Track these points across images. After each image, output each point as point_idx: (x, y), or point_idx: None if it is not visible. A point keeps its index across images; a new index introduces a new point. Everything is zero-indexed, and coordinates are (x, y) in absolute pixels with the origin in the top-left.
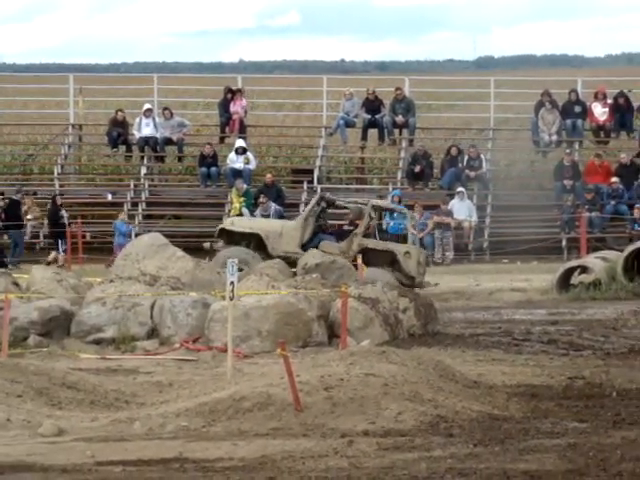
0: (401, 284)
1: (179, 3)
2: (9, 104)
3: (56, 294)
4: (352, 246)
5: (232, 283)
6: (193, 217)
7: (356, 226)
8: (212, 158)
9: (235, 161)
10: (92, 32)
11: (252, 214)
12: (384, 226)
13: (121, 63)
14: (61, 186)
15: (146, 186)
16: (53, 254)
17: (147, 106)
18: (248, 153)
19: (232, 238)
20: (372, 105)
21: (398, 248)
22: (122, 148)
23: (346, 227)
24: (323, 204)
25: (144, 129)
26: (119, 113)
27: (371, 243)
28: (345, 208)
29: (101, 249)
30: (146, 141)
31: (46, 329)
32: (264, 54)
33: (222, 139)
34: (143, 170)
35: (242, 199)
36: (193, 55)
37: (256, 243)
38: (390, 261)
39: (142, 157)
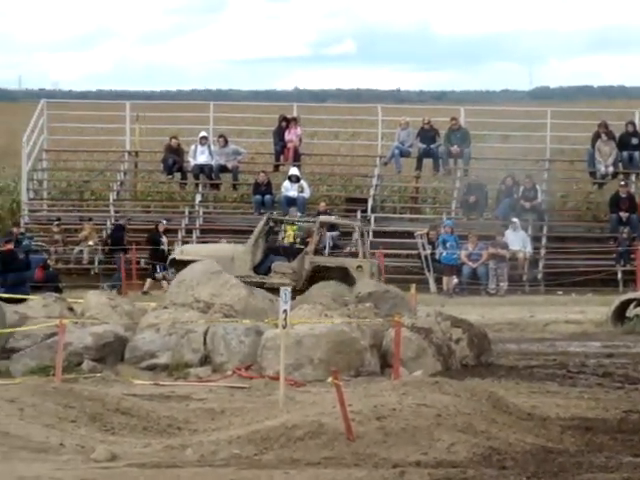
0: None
1: (235, 31)
2: (66, 131)
3: (110, 320)
4: (304, 265)
5: (285, 311)
6: None
7: (307, 244)
8: (266, 186)
9: (289, 189)
10: (148, 59)
11: (305, 242)
12: (437, 256)
13: (177, 90)
14: (116, 212)
15: (200, 213)
16: (149, 282)
17: (202, 134)
18: (302, 181)
19: (185, 267)
20: (427, 135)
21: (350, 263)
22: (177, 175)
23: (297, 246)
24: (271, 224)
25: (199, 157)
26: (173, 140)
27: (322, 260)
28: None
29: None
30: (201, 168)
31: (100, 354)
32: (319, 82)
33: (276, 167)
34: (198, 197)
35: (295, 227)
36: (249, 83)
37: None
38: (343, 276)
39: (197, 184)
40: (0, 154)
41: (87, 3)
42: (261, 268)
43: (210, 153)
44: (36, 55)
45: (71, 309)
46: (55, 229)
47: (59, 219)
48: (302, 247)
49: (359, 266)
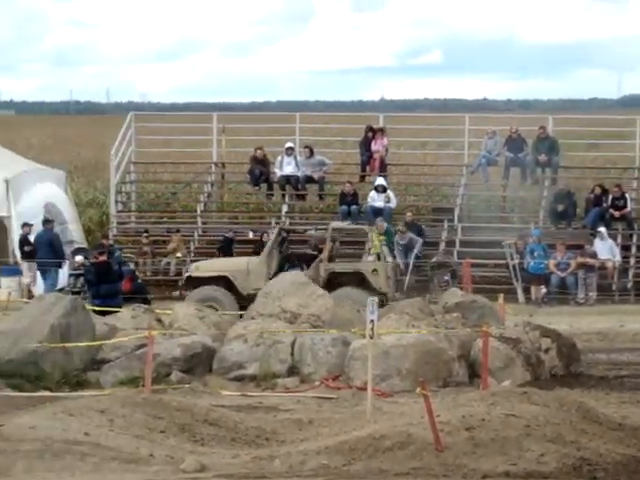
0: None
1: (321, 41)
2: (154, 143)
3: (198, 331)
4: (319, 272)
5: (372, 321)
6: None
7: (320, 251)
8: (352, 196)
9: (376, 199)
10: (235, 71)
11: (392, 253)
12: (525, 265)
13: (263, 102)
14: (204, 223)
15: (287, 224)
16: None
17: (289, 144)
18: (389, 191)
19: (201, 283)
20: (515, 143)
21: (365, 267)
22: (264, 186)
23: (309, 252)
24: (284, 234)
25: (285, 167)
26: (258, 151)
27: (337, 267)
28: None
29: None
30: (287, 179)
31: (188, 365)
32: (406, 92)
33: (362, 177)
34: (284, 208)
35: (382, 237)
36: (335, 93)
37: (225, 284)
38: (359, 281)
39: (283, 195)
40: (89, 167)
41: (174, 16)
42: None
43: (296, 164)
44: (124, 67)
45: (159, 320)
46: (143, 241)
47: (147, 231)
48: (316, 254)
49: (374, 270)
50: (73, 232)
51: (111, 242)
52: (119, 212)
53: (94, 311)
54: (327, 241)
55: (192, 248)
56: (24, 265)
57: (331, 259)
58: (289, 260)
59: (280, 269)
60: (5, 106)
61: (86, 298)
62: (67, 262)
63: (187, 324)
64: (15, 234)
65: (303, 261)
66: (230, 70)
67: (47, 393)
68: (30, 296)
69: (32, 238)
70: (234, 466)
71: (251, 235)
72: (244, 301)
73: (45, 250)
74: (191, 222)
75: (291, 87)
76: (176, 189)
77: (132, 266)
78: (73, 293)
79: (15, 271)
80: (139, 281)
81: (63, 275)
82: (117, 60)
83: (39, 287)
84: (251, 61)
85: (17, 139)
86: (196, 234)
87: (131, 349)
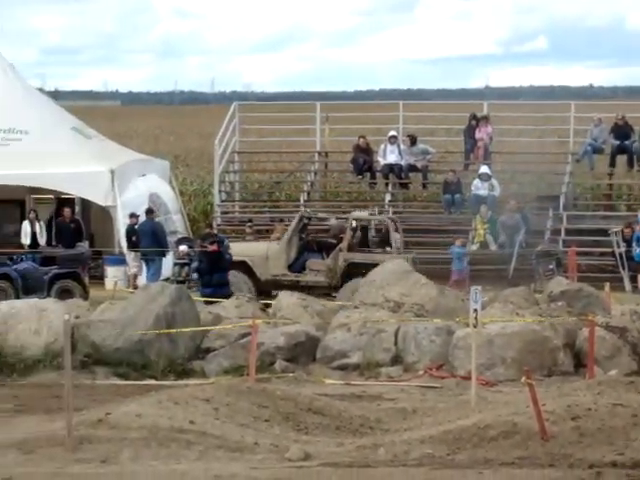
0: None
1: (425, 29)
2: (257, 133)
3: (302, 320)
4: (338, 261)
5: (475, 310)
6: (437, 244)
7: (340, 240)
8: (456, 185)
9: (479, 188)
10: (339, 60)
11: (496, 242)
12: (632, 254)
13: (366, 90)
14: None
15: (390, 213)
16: None
17: (392, 133)
18: (492, 180)
19: None
20: (621, 131)
21: (383, 259)
22: (367, 175)
23: (330, 240)
24: (305, 221)
25: (389, 156)
26: (361, 140)
27: (356, 257)
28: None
29: None
30: (391, 168)
31: (292, 354)
32: (510, 80)
33: (466, 166)
34: (387, 197)
35: (486, 226)
36: (438, 82)
37: (245, 269)
38: None
39: (386, 184)
40: (194, 157)
41: (278, 6)
42: (295, 266)
43: (399, 152)
44: (229, 58)
45: (263, 309)
46: (247, 230)
47: (251, 220)
48: (336, 243)
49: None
50: (176, 222)
51: (215, 231)
52: (223, 202)
53: (202, 300)
54: (347, 231)
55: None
56: (129, 255)
57: (351, 249)
58: (309, 247)
59: (299, 256)
60: (111, 97)
61: (191, 287)
62: (171, 252)
63: (290, 313)
64: (120, 224)
65: (323, 249)
66: (334, 59)
67: (153, 382)
68: (136, 286)
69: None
70: (338, 455)
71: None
72: (263, 286)
73: (148, 240)
74: (294, 211)
75: (395, 76)
76: (279, 178)
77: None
78: (178, 282)
79: (121, 261)
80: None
81: (167, 264)
82: (222, 50)
83: (144, 277)
84: (355, 50)
85: (122, 130)
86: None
87: (235, 338)
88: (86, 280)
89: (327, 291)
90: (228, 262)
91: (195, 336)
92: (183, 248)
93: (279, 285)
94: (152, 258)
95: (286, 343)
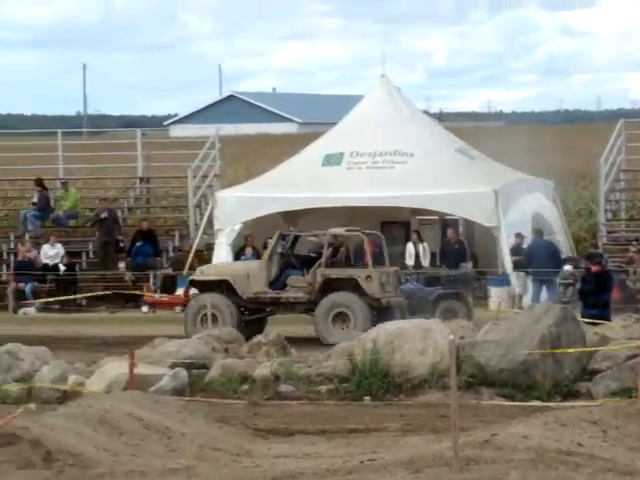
0: (369, 306)
1: None
2: None
3: None
4: (316, 277)
5: None
6: None
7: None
8: None
9: None
10: None
11: None
12: None
13: None
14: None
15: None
16: None
17: None
18: None
19: (205, 286)
20: None
21: (359, 273)
22: None
23: (311, 256)
24: (289, 239)
25: None
26: None
27: (334, 272)
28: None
29: None
30: None
31: None
32: None
33: None
34: None
35: None
36: None
37: (227, 288)
38: (354, 286)
39: None
40: (578, 175)
41: None
42: (277, 283)
43: None
44: (615, 75)
45: None
46: (632, 249)
47: (638, 239)
48: (317, 258)
49: (368, 276)
50: (560, 242)
51: (600, 251)
52: (608, 221)
53: (584, 321)
54: (324, 247)
55: None
56: (513, 275)
57: (333, 264)
58: (291, 264)
59: (281, 273)
60: (495, 117)
61: (575, 307)
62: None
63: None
64: (504, 244)
65: (305, 266)
66: None
67: (538, 403)
68: (520, 306)
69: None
70: None
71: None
72: (246, 305)
73: (543, 259)
74: None
75: None
76: None
77: (621, 275)
78: (563, 302)
79: (504, 281)
80: (629, 290)
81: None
82: (608, 68)
83: (529, 297)
84: None
85: (506, 150)
86: None
87: (622, 359)
88: (470, 300)
89: (308, 307)
90: (613, 283)
91: (581, 357)
92: (568, 268)
93: (260, 303)
94: (548, 278)
95: None
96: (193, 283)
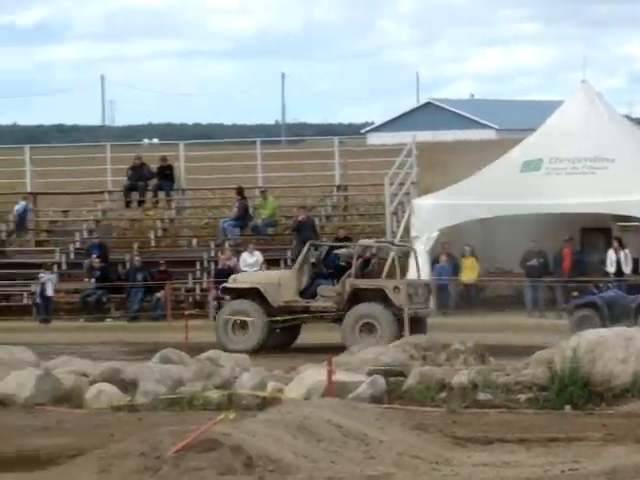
0: (394, 316)
1: None
2: None
3: None
4: (345, 287)
5: None
6: None
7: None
8: None
9: None
10: None
11: None
12: None
13: None
14: None
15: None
16: None
17: None
18: None
19: (238, 294)
20: None
21: (387, 284)
22: None
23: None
24: (320, 250)
25: None
26: None
27: (362, 283)
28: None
29: None
30: None
31: None
32: None
33: None
34: None
35: None
36: None
37: (258, 295)
38: (382, 297)
39: None
40: None
41: None
42: (307, 292)
43: None
44: None
45: None
46: None
47: None
48: (347, 268)
49: (396, 287)
50: None
51: None
52: None
53: None
54: (354, 257)
55: None
56: None
57: (364, 275)
58: (321, 274)
59: (312, 283)
60: None
61: None
62: None
63: None
64: None
65: (335, 276)
66: None
67: None
68: None
69: None
70: None
71: None
72: (276, 313)
73: None
74: None
75: None
76: None
77: None
78: None
79: None
80: None
81: None
82: None
83: None
84: None
85: None
86: None
87: None
88: None
89: (337, 316)
90: None
91: None
92: None
93: (291, 311)
94: None
95: None
96: (225, 290)
